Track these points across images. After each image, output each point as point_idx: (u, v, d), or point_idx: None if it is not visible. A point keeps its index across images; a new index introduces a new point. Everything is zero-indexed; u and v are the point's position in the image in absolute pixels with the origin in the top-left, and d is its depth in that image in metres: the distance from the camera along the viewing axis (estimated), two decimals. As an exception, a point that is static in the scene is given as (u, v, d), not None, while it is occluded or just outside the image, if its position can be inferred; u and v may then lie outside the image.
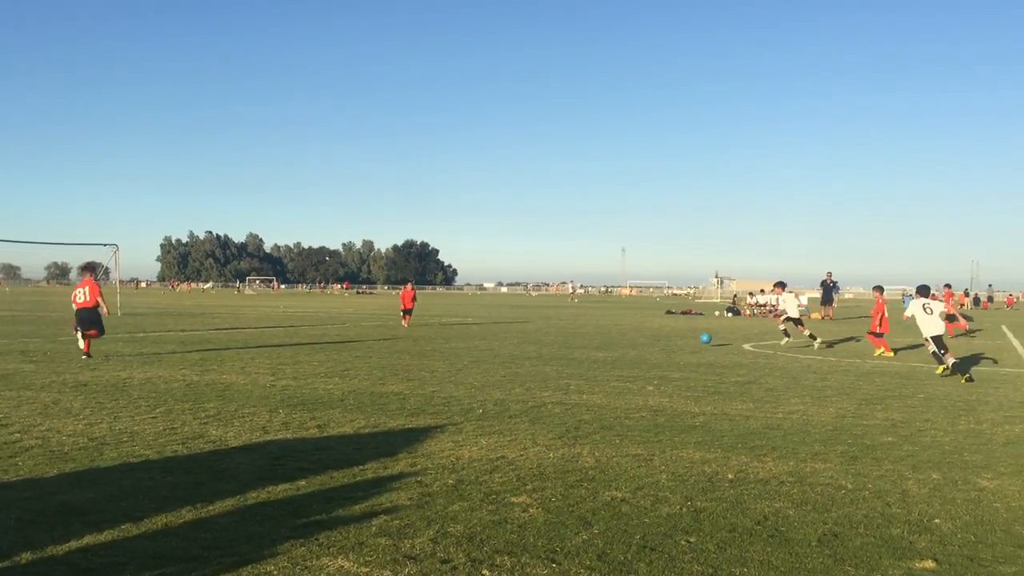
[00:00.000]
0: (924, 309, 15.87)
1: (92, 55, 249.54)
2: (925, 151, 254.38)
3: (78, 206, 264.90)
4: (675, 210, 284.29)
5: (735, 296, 66.26)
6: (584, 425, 9.46)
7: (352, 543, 5.09)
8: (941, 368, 15.34)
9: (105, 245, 40.54)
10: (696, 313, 48.55)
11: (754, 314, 45.89)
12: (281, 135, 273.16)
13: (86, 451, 7.68)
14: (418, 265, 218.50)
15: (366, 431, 8.98)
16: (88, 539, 5.10)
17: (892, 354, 19.09)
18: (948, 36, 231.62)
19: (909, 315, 16.30)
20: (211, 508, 5.82)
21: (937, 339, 15.53)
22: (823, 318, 39.18)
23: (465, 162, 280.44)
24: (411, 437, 8.60)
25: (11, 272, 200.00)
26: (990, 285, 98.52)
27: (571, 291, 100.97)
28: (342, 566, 4.72)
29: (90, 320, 16.75)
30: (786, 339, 22.32)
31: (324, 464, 7.26)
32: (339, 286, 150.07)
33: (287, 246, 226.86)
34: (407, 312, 29.84)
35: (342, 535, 5.25)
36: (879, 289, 21.62)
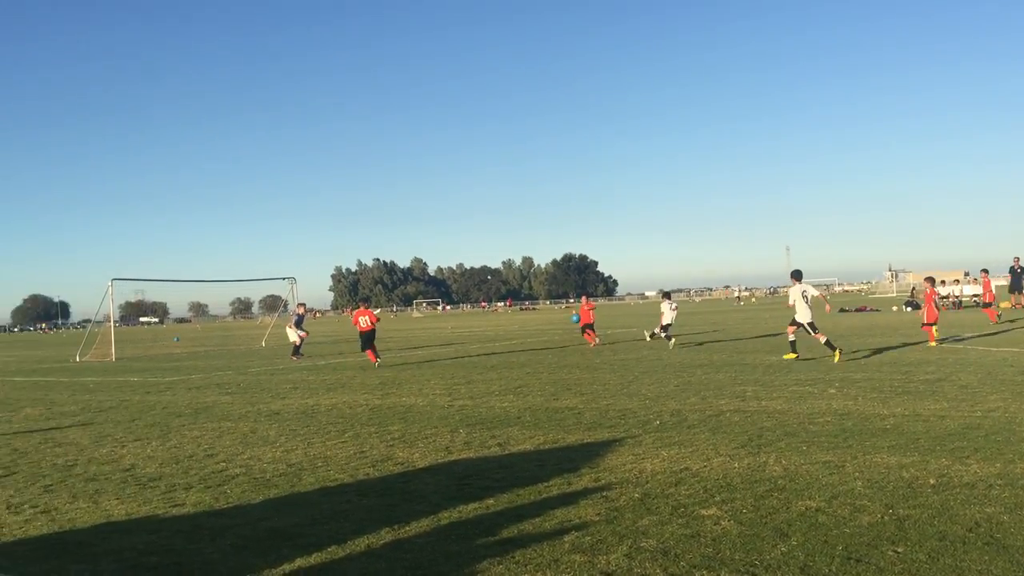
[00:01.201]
0: (803, 296, 17.85)
1: (263, 101, 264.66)
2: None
3: (255, 243, 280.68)
4: (840, 203, 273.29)
5: (913, 289, 62.75)
6: (767, 432, 9.21)
7: (547, 560, 5.15)
8: (792, 356, 17.45)
9: (283, 279, 42.75)
10: (872, 309, 46.41)
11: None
12: (438, 160, 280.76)
13: (286, 477, 8.11)
14: (578, 278, 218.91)
15: (546, 447, 9.07)
16: (299, 562, 5.38)
17: None
18: None
19: (791, 302, 17.99)
20: (407, 529, 6.03)
21: (811, 325, 17.49)
22: (1013, 306, 36.58)
23: (621, 172, 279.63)
24: (591, 452, 8.62)
25: (200, 310, 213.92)
26: None
27: (737, 295, 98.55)
28: (540, 584, 4.78)
29: (369, 340, 21.76)
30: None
31: (509, 482, 7.37)
32: (501, 304, 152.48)
33: (450, 268, 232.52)
34: (588, 327, 26.74)
35: (536, 552, 5.31)
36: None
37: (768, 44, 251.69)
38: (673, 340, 23.75)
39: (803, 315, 17.78)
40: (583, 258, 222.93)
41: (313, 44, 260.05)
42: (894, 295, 75.93)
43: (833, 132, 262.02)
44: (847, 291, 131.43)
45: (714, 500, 6.39)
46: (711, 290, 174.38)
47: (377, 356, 21.97)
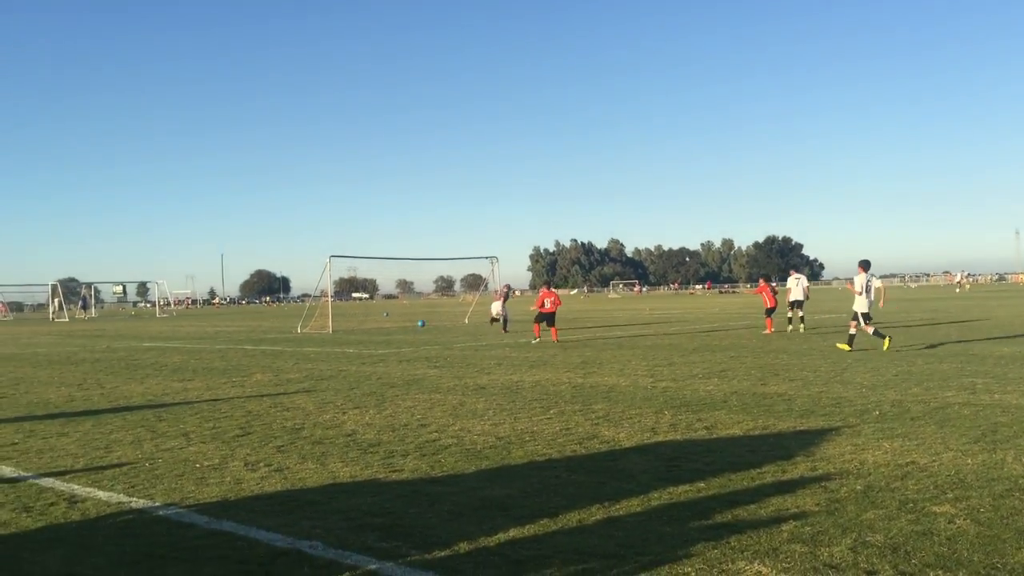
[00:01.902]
0: (866, 286, 18.26)
1: (454, 76, 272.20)
2: None
3: (458, 221, 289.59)
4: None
5: None
6: (1002, 428, 8.52)
7: (766, 548, 4.98)
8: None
9: (486, 258, 43.77)
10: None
11: None
12: (636, 136, 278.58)
13: (496, 449, 8.31)
14: (780, 261, 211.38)
15: (756, 433, 8.81)
16: (513, 532, 5.49)
17: None
18: None
19: (858, 290, 18.21)
20: (618, 507, 6.01)
21: (866, 315, 18.11)
22: None
23: (828, 149, 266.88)
24: (805, 440, 8.28)
25: (406, 287, 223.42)
26: None
27: (958, 280, 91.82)
28: (760, 571, 4.63)
29: (551, 319, 23.66)
30: None
31: (719, 466, 7.21)
32: (700, 287, 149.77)
33: (647, 249, 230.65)
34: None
35: (753, 539, 5.16)
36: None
37: (982, 13, 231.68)
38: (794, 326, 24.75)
39: (860, 304, 18.09)
40: (787, 240, 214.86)
41: (521, 16, 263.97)
42: None
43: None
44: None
45: (946, 497, 5.97)
46: (928, 275, 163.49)
47: (542, 334, 23.72)
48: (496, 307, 30.72)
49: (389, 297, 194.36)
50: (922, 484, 6.37)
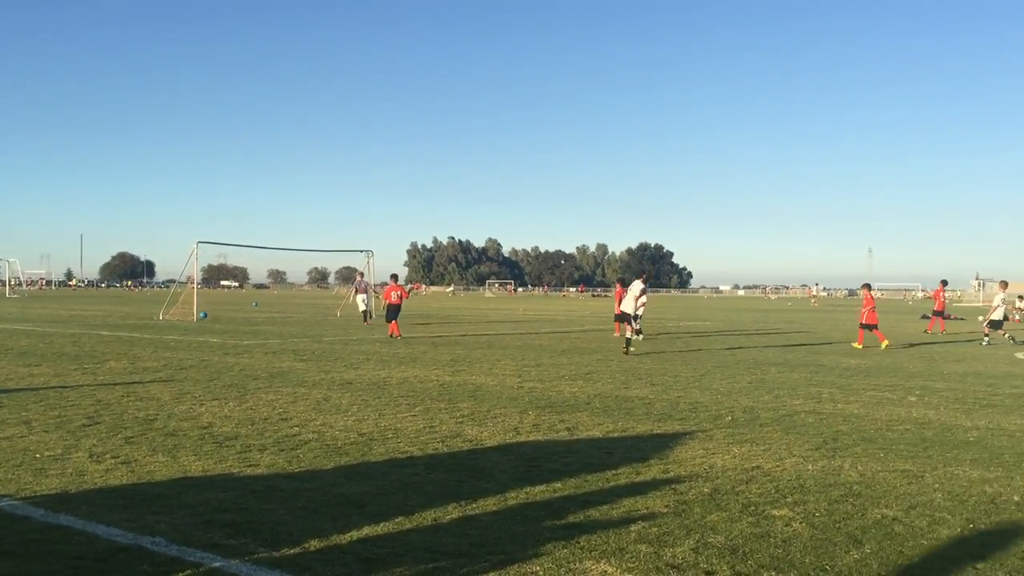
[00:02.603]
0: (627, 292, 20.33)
1: (341, 73, 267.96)
2: None
3: (335, 214, 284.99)
4: (927, 208, 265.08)
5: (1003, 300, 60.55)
6: (842, 436, 9.00)
7: (613, 548, 5.11)
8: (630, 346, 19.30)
9: (361, 251, 43.20)
10: (956, 318, 44.93)
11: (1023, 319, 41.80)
12: (519, 142, 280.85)
13: (357, 446, 8.22)
14: (652, 268, 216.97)
15: (615, 435, 9.02)
16: (367, 530, 5.45)
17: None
18: None
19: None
20: (475, 506, 6.05)
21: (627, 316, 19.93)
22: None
23: (700, 163, 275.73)
24: (661, 443, 8.54)
25: (278, 277, 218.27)
26: None
27: (814, 293, 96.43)
28: (605, 571, 4.75)
29: (394, 313, 24.06)
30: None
31: (577, 467, 7.35)
32: (573, 289, 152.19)
33: (524, 250, 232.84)
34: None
35: (602, 539, 5.28)
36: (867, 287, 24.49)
37: (851, 43, 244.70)
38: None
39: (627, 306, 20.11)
40: (659, 247, 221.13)
41: (412, 15, 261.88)
42: (980, 304, 73.48)
43: (922, 135, 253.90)
44: (930, 297, 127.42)
45: (786, 501, 6.27)
46: (788, 287, 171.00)
47: (399, 331, 23.87)
48: (360, 300, 32.48)
49: (260, 287, 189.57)
50: (765, 488, 6.66)
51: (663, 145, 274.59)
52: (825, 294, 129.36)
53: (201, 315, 33.05)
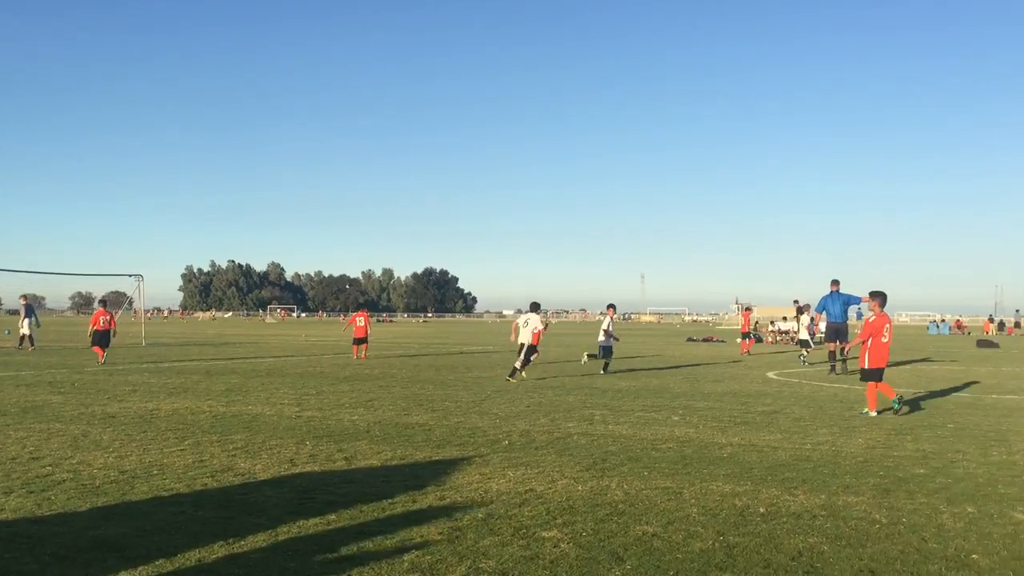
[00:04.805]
0: (526, 323, 19.72)
1: (108, 90, 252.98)
2: (945, 173, 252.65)
3: (104, 236, 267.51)
4: (696, 236, 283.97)
5: (756, 323, 65.85)
6: (611, 457, 9.42)
7: (385, 579, 5.09)
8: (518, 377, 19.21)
9: (130, 276, 40.74)
10: (718, 340, 48.32)
11: (776, 341, 45.65)
12: (301, 165, 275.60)
13: (117, 484, 7.72)
14: (437, 293, 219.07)
15: (393, 463, 8.99)
16: (123, 575, 5.12)
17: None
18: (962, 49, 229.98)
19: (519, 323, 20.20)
20: (243, 543, 5.83)
21: (526, 348, 19.35)
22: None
23: (484, 189, 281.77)
24: (439, 469, 8.60)
25: (37, 302, 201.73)
26: (1017, 311, 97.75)
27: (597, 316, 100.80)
28: (376, 603, 4.71)
29: (102, 339, 24.08)
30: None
31: (353, 497, 7.26)
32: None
33: (308, 275, 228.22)
34: (361, 341, 27.37)
35: (374, 570, 5.25)
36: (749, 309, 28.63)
37: (621, 64, 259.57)
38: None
39: (524, 337, 19.58)
40: (444, 272, 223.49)
41: (174, 30, 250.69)
42: (737, 328, 79.34)
43: (691, 161, 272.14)
44: (696, 321, 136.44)
45: (556, 522, 6.48)
46: (568, 311, 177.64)
47: (104, 358, 23.92)
48: (26, 324, 31.44)
49: (13, 313, 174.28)
50: (537, 511, 6.86)
51: (447, 171, 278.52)
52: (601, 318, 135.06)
53: (5, 332, 30.91)
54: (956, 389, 17.86)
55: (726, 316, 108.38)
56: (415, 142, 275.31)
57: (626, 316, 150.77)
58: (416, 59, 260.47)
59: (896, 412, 13.28)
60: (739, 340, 36.12)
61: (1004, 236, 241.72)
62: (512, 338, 20.87)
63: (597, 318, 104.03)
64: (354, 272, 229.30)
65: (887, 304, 13.86)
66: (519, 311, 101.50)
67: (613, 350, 22.70)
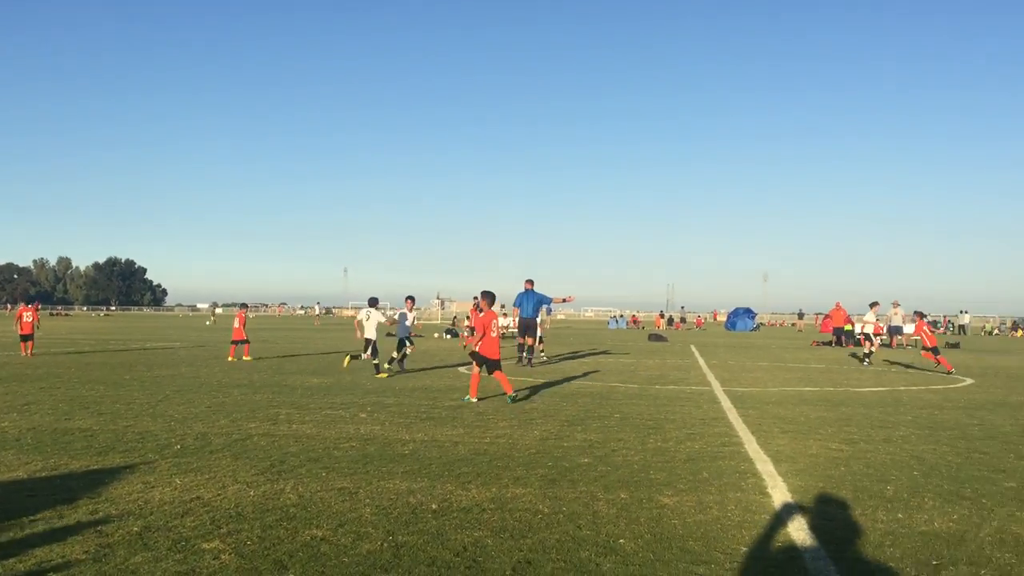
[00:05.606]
0: (368, 317, 20.70)
1: None
2: (624, 174, 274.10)
3: None
4: (399, 231, 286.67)
5: (455, 317, 67.75)
6: (290, 458, 9.15)
7: (10, 610, 4.54)
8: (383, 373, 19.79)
9: None
10: (416, 335, 49.00)
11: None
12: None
13: None
14: (123, 284, 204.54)
15: (43, 475, 8.14)
16: None
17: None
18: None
19: (360, 318, 20.94)
20: None
21: (372, 343, 20.29)
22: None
23: (177, 176, 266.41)
24: (96, 480, 7.89)
25: None
26: (683, 307, 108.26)
27: (278, 311, 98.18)
28: (-6, 639, 4.19)
29: None
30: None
31: (-13, 517, 6.46)
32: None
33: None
34: (27, 338, 26.19)
35: (-1, 601, 4.67)
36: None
37: (338, 57, 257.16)
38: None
39: (370, 332, 20.46)
40: (130, 263, 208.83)
41: None
42: (439, 322, 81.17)
43: (391, 157, 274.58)
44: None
45: (219, 532, 6.15)
46: (267, 306, 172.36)
47: None
48: None
49: None
50: (200, 520, 6.47)
51: (128, 153, 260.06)
52: (302, 312, 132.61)
53: None
54: (624, 381, 19.33)
55: (426, 310, 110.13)
56: (94, 117, 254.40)
57: (328, 310, 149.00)
58: (121, 38, 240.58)
59: (513, 401, 14.62)
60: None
61: (674, 241, 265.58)
62: (358, 335, 21.11)
63: (298, 313, 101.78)
64: (24, 261, 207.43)
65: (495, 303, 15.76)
66: (214, 304, 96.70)
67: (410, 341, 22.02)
